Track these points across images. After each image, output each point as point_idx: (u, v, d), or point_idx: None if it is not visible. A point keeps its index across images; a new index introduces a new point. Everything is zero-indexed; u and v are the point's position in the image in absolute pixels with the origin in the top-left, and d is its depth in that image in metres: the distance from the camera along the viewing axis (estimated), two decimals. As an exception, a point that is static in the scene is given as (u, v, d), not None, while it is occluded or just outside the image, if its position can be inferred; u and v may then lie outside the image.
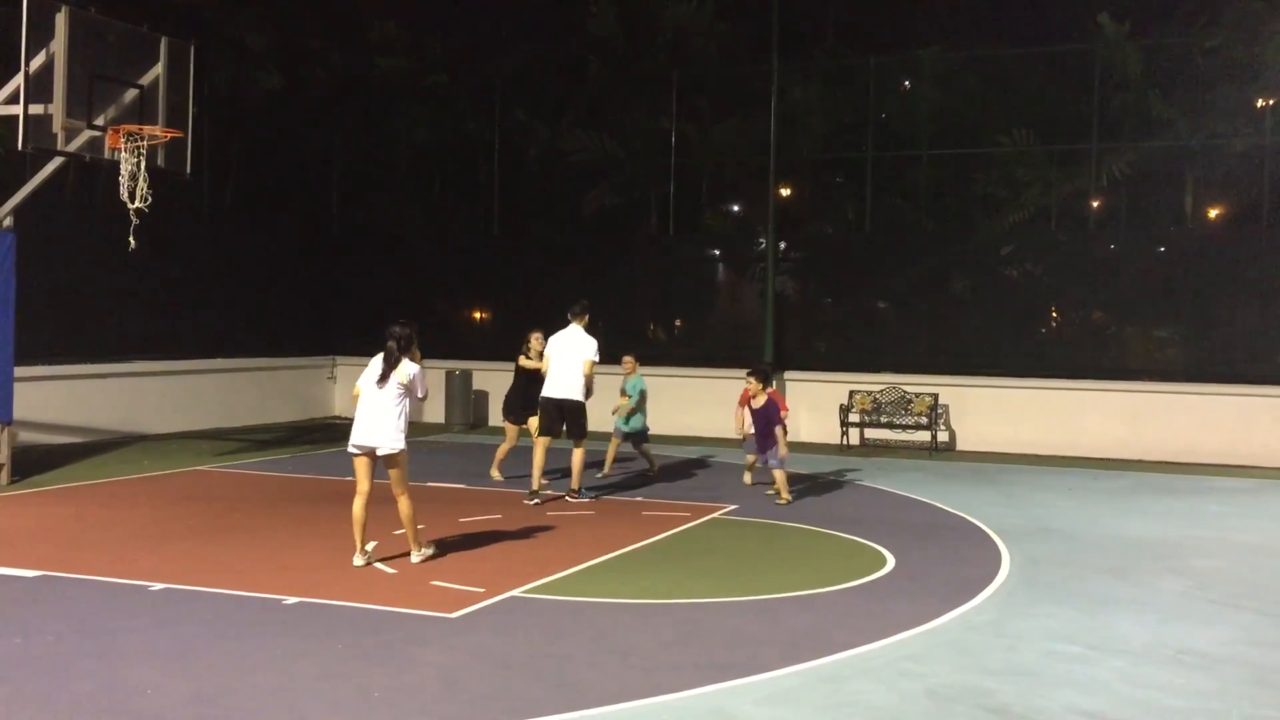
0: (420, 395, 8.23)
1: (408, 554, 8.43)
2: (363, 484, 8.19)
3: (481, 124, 20.47)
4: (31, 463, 12.65)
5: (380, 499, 8.46)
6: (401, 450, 8.12)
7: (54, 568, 7.93)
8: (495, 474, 12.62)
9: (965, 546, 9.61)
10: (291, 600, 7.22)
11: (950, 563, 8.92)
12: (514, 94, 20.47)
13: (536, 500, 11.04)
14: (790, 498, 11.47)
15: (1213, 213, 18.75)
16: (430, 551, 8.47)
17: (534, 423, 11.75)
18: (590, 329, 11.67)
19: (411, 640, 6.46)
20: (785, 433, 11.52)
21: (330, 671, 5.89)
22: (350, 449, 8.20)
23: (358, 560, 8.15)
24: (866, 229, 18.68)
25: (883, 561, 8.86)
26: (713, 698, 5.66)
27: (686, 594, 7.74)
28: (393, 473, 8.17)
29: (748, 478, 12.60)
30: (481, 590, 7.55)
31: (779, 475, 11.48)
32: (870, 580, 8.26)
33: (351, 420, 8.35)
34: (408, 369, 8.10)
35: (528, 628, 6.81)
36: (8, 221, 11.69)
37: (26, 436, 13.61)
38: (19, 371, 12.00)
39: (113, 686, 5.58)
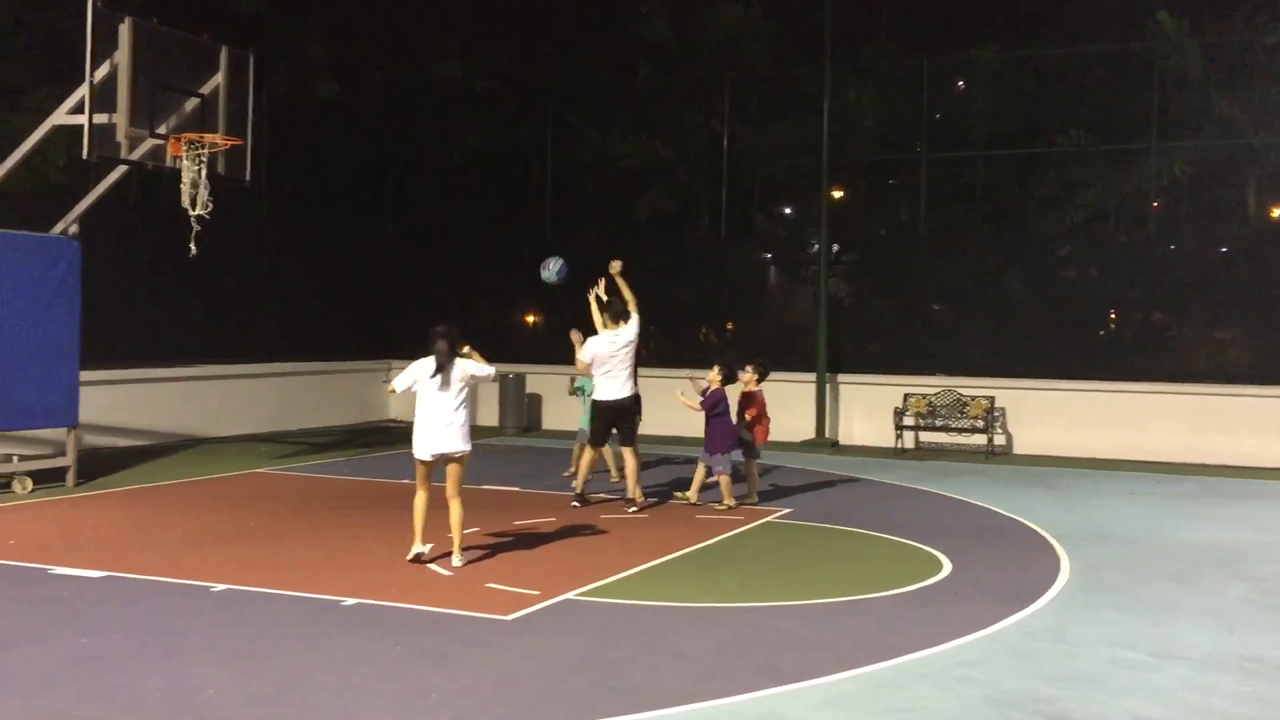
0: (486, 374, 8.42)
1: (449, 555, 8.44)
2: (423, 486, 8.34)
3: (534, 129, 20.57)
4: (97, 465, 12.91)
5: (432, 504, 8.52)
6: (468, 452, 8.28)
7: (119, 568, 8.09)
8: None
9: (1023, 551, 9.50)
10: (350, 601, 7.31)
11: (1008, 567, 8.82)
12: (566, 99, 20.56)
13: (579, 505, 11.05)
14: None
15: (1276, 211, 18.37)
16: (465, 560, 8.45)
17: None
18: (642, 333, 11.72)
19: (468, 642, 6.51)
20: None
21: (388, 672, 5.95)
22: (421, 456, 8.25)
23: (421, 549, 8.30)
24: (920, 230, 18.53)
25: (939, 566, 8.78)
26: (767, 702, 5.64)
27: (741, 598, 7.73)
28: (455, 473, 8.26)
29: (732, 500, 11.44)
30: (536, 593, 7.58)
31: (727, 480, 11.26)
32: (926, 585, 8.19)
33: (403, 423, 8.47)
34: (464, 366, 8.24)
35: (582, 630, 6.83)
36: (73, 229, 11.94)
37: (92, 440, 13.90)
38: (84, 376, 12.24)
39: (176, 686, 5.68)
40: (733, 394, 11.64)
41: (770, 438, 17.19)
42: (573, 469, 12.29)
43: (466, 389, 8.26)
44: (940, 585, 8.20)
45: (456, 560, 8.30)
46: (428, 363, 8.21)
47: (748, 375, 11.70)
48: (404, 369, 8.48)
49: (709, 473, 11.35)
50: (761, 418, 11.76)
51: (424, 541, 8.37)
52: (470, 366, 8.32)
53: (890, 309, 18.77)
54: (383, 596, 7.44)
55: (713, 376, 11.43)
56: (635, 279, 20.27)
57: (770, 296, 20.63)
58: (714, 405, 11.33)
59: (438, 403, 8.17)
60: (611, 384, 11.01)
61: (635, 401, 11.17)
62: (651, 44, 20.41)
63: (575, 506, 11.01)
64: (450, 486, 8.28)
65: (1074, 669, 6.29)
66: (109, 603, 7.23)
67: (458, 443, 8.21)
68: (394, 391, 8.46)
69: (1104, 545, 9.80)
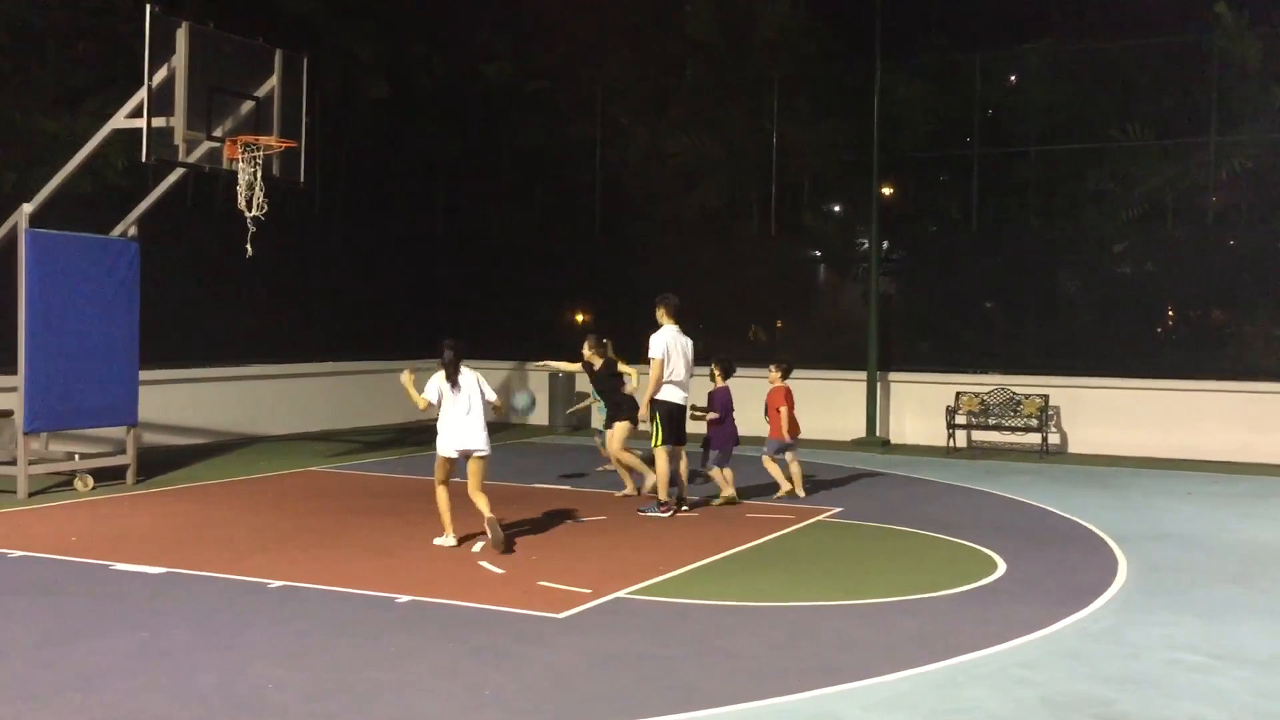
0: (490, 398, 9.02)
1: (510, 555, 8.50)
2: (444, 481, 8.98)
3: (583, 128, 20.63)
4: (155, 463, 13.13)
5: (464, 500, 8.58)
6: (489, 453, 8.96)
7: (178, 565, 8.22)
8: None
9: (1079, 551, 9.38)
10: (404, 599, 7.37)
11: (1064, 568, 8.71)
12: (614, 98, 20.59)
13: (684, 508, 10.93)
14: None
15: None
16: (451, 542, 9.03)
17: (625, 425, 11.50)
18: (691, 331, 11.66)
19: (520, 639, 6.54)
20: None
21: (442, 669, 5.99)
22: (450, 453, 8.84)
23: (450, 541, 8.93)
24: (973, 227, 18.35)
25: (993, 566, 8.70)
26: (822, 702, 5.62)
27: (793, 597, 7.70)
28: (480, 470, 8.88)
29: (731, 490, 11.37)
30: (588, 591, 7.60)
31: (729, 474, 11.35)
32: (980, 585, 8.11)
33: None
34: (473, 376, 8.96)
35: (634, 629, 6.84)
36: (132, 231, 12.14)
37: (150, 438, 14.14)
38: (143, 375, 12.44)
39: (235, 680, 5.76)
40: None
41: (821, 436, 17.36)
42: (631, 489, 11.55)
43: (480, 395, 8.94)
44: (995, 585, 8.12)
45: (488, 513, 8.83)
46: (441, 376, 8.94)
47: (772, 374, 11.96)
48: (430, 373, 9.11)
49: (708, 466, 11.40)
50: (776, 412, 11.84)
51: (452, 530, 9.01)
52: (480, 381, 9.03)
53: (942, 306, 18.61)
54: (436, 594, 7.50)
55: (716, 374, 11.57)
56: (684, 277, 20.26)
57: (820, 294, 20.53)
58: (723, 405, 11.39)
59: (460, 406, 8.86)
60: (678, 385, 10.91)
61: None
62: (698, 42, 20.38)
63: (685, 511, 10.89)
64: (473, 481, 8.85)
65: (1132, 671, 6.20)
66: (169, 598, 7.35)
67: (483, 441, 8.87)
68: (426, 405, 8.97)
69: (1162, 546, 9.66)
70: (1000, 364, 17.23)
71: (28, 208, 11.14)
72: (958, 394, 16.76)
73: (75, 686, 5.63)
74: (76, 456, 12.08)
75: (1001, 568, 8.65)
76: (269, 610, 7.07)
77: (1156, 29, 17.94)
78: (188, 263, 15.67)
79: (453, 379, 8.89)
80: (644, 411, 10.98)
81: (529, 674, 5.94)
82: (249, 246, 10.80)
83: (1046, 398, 16.31)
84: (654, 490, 10.92)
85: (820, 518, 10.72)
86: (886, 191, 19.01)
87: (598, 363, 12.06)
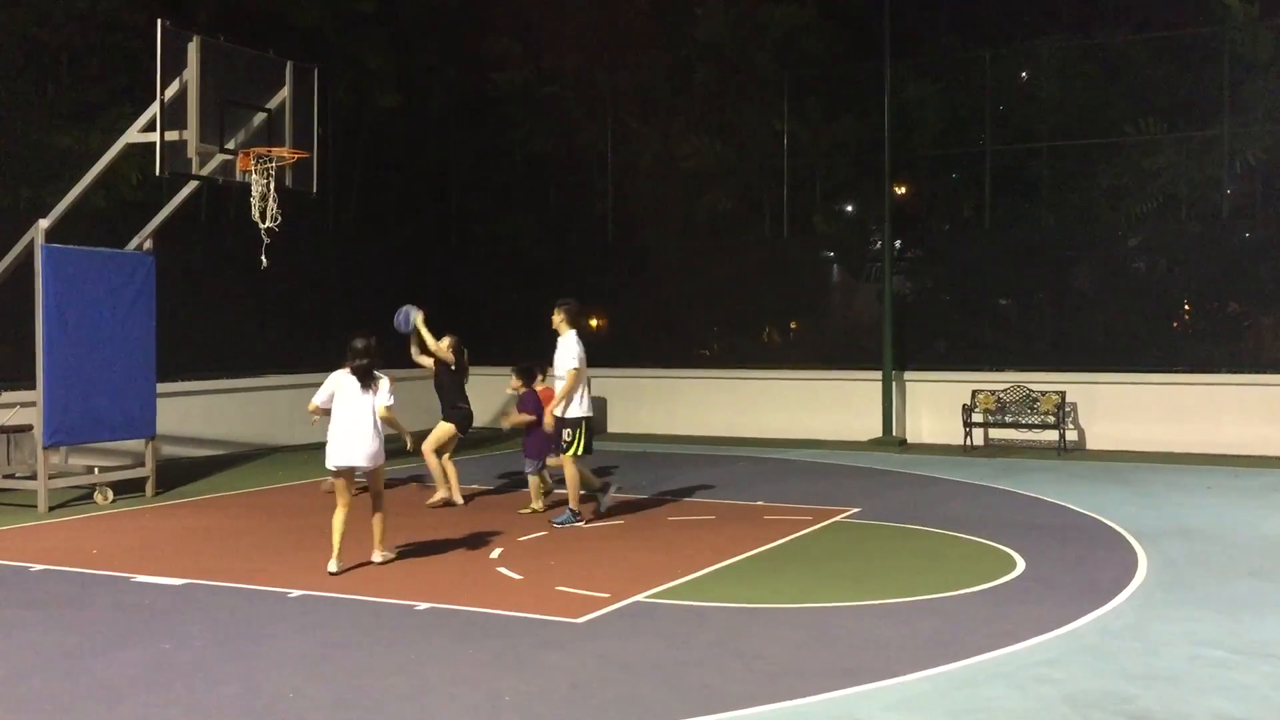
0: (389, 402, 8.28)
1: (530, 561, 8.50)
2: (344, 497, 8.34)
3: (594, 133, 20.66)
4: (174, 475, 13.19)
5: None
6: (383, 464, 8.42)
7: (198, 576, 8.26)
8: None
9: (1099, 548, 9.34)
10: (423, 606, 7.39)
11: (1084, 565, 8.67)
12: (625, 102, 20.62)
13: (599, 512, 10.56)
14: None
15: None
16: (393, 555, 8.71)
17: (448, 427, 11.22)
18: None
19: (539, 645, 6.55)
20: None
21: (462, 676, 6.01)
22: (331, 467, 8.26)
23: (333, 567, 8.23)
24: (986, 225, 18.31)
25: (1012, 564, 8.67)
26: (842, 703, 5.61)
27: (812, 598, 7.69)
28: (375, 480, 8.42)
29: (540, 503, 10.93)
30: (606, 596, 7.61)
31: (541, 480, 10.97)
32: (1000, 583, 8.08)
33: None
34: (386, 384, 8.30)
35: (653, 633, 6.84)
36: (147, 244, 12.21)
37: (169, 450, 14.20)
38: (160, 388, 12.51)
39: (256, 690, 5.78)
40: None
41: (837, 436, 17.34)
42: (534, 505, 10.93)
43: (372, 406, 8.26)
44: (1015, 584, 8.09)
45: (379, 556, 8.57)
46: (343, 376, 8.30)
47: (515, 382, 11.25)
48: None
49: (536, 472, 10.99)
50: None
51: (340, 554, 8.33)
52: (389, 389, 8.33)
53: (956, 304, 18.58)
54: (455, 601, 7.51)
55: (515, 384, 11.16)
56: (698, 280, 20.30)
57: (834, 295, 20.51)
58: (535, 407, 10.84)
59: (354, 415, 8.23)
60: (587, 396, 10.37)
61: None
62: (708, 45, 20.40)
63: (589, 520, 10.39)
64: (376, 499, 8.50)
65: (1155, 667, 6.17)
66: (190, 609, 7.38)
67: (373, 455, 8.26)
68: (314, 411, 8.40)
69: (1183, 541, 9.60)
70: (1016, 361, 17.19)
71: (44, 223, 11.21)
72: (974, 392, 16.71)
73: (98, 698, 5.66)
74: (96, 470, 12.15)
75: (1021, 566, 8.62)
76: (289, 619, 7.10)
77: (1168, 23, 17.89)
78: (203, 275, 15.75)
79: (367, 388, 8.17)
80: (549, 420, 10.23)
81: (548, 679, 5.95)
82: (263, 258, 10.83)
83: (1063, 394, 16.25)
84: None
85: (838, 518, 10.70)
86: (899, 191, 18.98)
87: (451, 361, 11.46)
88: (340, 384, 8.28)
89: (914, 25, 19.46)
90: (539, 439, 10.81)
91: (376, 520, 8.50)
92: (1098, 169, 18.22)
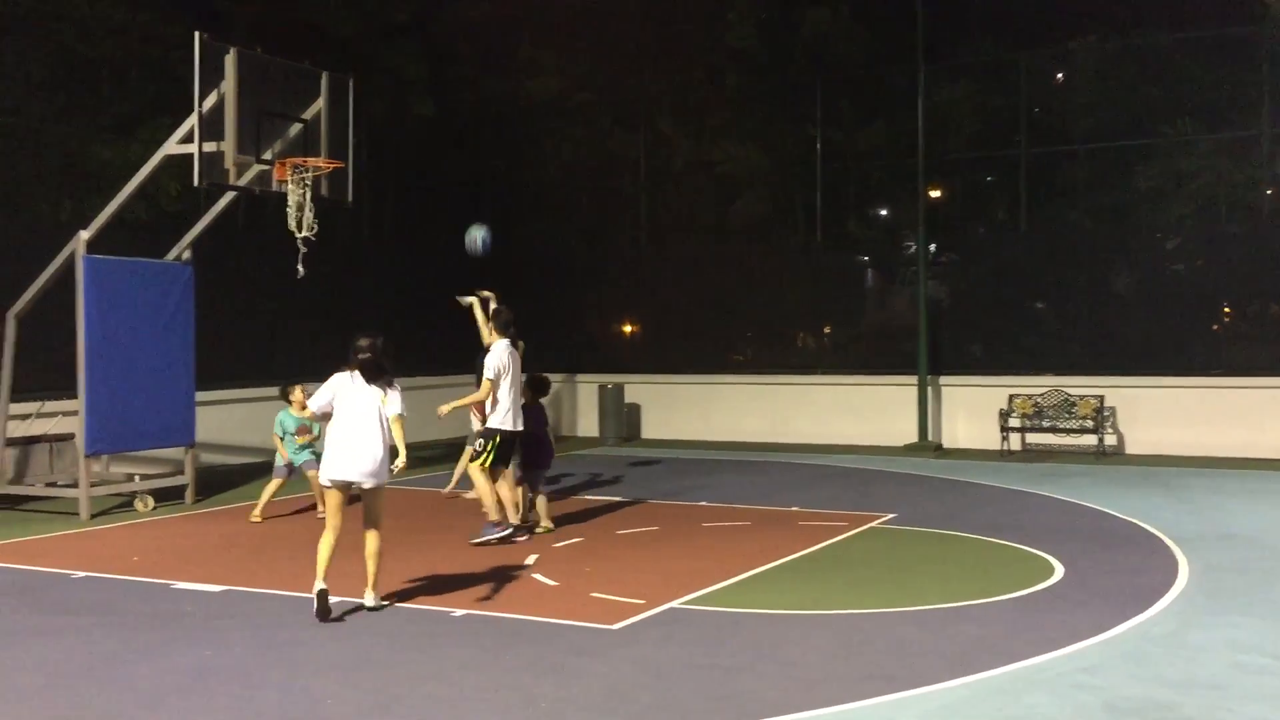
0: (401, 410, 7.31)
1: (564, 567, 8.50)
2: (335, 518, 7.27)
3: (627, 140, 20.70)
4: (213, 483, 13.32)
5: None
6: (385, 484, 7.37)
7: (237, 583, 8.33)
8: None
9: (1139, 554, 9.24)
10: (459, 613, 7.42)
11: (1123, 571, 8.58)
12: (658, 108, 20.65)
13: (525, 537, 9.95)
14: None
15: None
16: (385, 603, 7.56)
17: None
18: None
19: (575, 651, 6.56)
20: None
21: (498, 682, 6.03)
22: (325, 481, 7.26)
23: (319, 585, 7.23)
24: (1021, 228, 18.18)
25: (1051, 570, 8.59)
26: (878, 710, 5.58)
27: (848, 604, 7.65)
28: (374, 504, 7.37)
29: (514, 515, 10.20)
30: (641, 602, 7.61)
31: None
32: (1038, 590, 8.01)
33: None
34: (398, 391, 7.32)
35: (689, 639, 6.83)
36: (186, 255, 12.36)
37: (207, 458, 14.35)
38: (199, 396, 12.64)
39: (295, 696, 5.83)
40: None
41: (872, 441, 17.27)
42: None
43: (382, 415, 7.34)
44: (1053, 590, 8.02)
45: (370, 599, 7.47)
46: (348, 378, 7.38)
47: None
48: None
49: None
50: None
51: (324, 576, 7.30)
52: (399, 395, 7.41)
53: (992, 308, 18.44)
54: (490, 607, 7.54)
55: (524, 395, 10.27)
56: (732, 286, 20.31)
57: (868, 299, 20.44)
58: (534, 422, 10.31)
59: (360, 424, 7.27)
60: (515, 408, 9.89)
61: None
62: (739, 50, 20.40)
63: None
64: (374, 520, 7.46)
65: (1196, 675, 6.10)
66: (229, 616, 7.45)
67: (379, 472, 7.30)
68: (311, 417, 7.61)
69: (1224, 547, 9.48)
70: (1053, 365, 17.04)
71: (85, 235, 11.37)
72: (1011, 396, 16.58)
73: (140, 704, 5.72)
74: (136, 478, 12.30)
75: (1059, 572, 8.54)
76: (327, 626, 7.14)
77: (1205, 22, 17.70)
78: (241, 284, 15.90)
79: (372, 379, 7.22)
80: (445, 409, 9.70)
81: (584, 686, 5.96)
82: (300, 266, 10.92)
83: (1102, 398, 16.09)
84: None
85: (873, 524, 10.65)
86: (934, 194, 18.89)
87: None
88: (342, 386, 7.26)
89: (947, 28, 19.35)
90: (534, 453, 10.31)
91: (370, 555, 7.36)
92: (1135, 171, 18.06)
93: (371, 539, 7.39)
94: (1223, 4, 17.61)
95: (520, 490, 10.38)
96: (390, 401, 7.26)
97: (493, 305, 10.79)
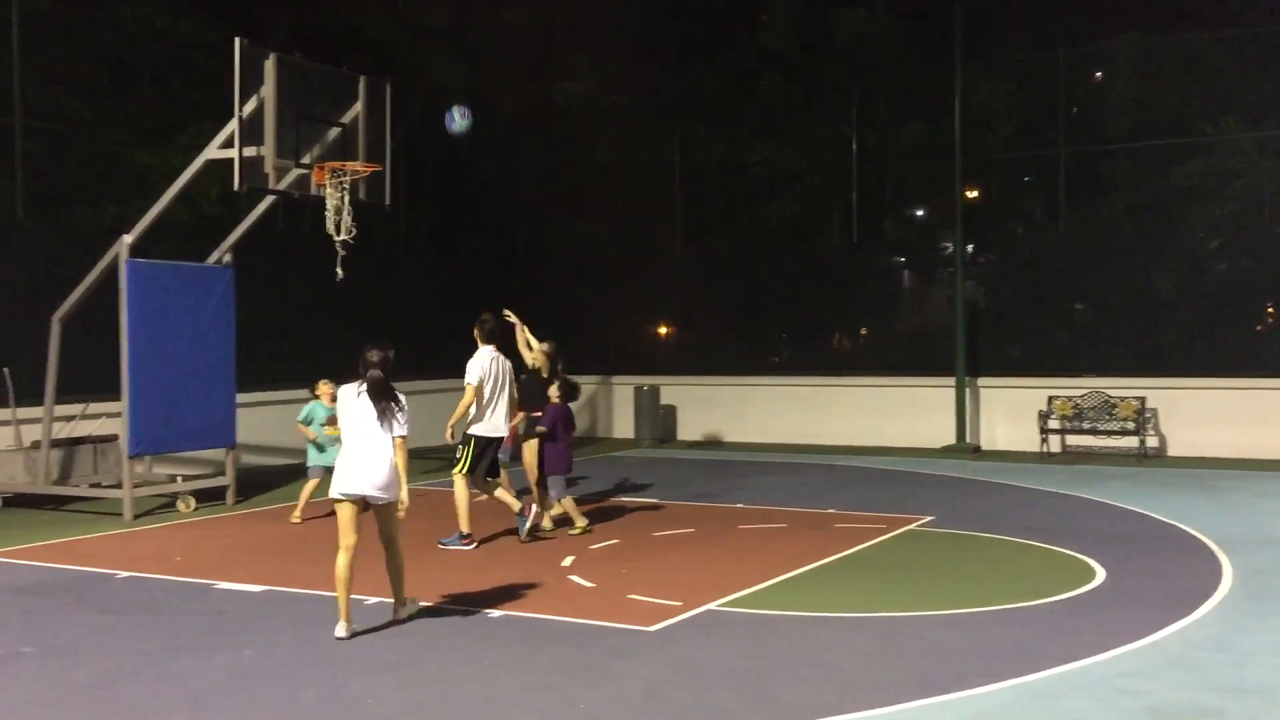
0: (403, 432, 6.95)
1: (601, 569, 8.51)
2: (349, 536, 6.91)
3: (661, 142, 20.72)
4: (253, 484, 13.45)
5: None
6: (396, 500, 7.01)
7: (278, 583, 8.41)
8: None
9: (1182, 557, 9.13)
10: (496, 614, 7.45)
11: (1166, 575, 8.49)
12: (692, 110, 20.65)
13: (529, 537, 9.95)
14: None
15: None
16: (416, 608, 7.35)
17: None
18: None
19: (612, 653, 6.57)
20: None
21: (535, 683, 6.04)
22: (337, 495, 6.92)
23: (341, 631, 6.84)
24: (1061, 228, 18.03)
25: (1092, 574, 8.51)
26: (917, 714, 5.55)
27: (886, 607, 7.62)
28: (388, 520, 7.06)
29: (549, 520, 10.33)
30: (679, 604, 7.61)
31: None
32: (1079, 593, 7.94)
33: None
34: (404, 414, 6.97)
35: (726, 641, 6.83)
36: (226, 258, 12.49)
37: (248, 459, 14.49)
38: (239, 398, 12.77)
39: (335, 696, 5.87)
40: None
41: (909, 443, 17.18)
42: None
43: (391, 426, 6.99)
44: (1095, 593, 7.94)
45: (403, 611, 7.26)
46: (354, 390, 7.06)
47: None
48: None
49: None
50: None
51: (349, 616, 6.94)
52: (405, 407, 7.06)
53: (1030, 309, 18.29)
54: (528, 609, 7.56)
55: (552, 392, 10.41)
56: (767, 287, 20.22)
57: (904, 300, 20.33)
58: (552, 420, 10.30)
59: (366, 437, 6.96)
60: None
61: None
62: (774, 52, 20.36)
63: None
64: (390, 535, 7.17)
65: (1241, 679, 6.02)
66: (270, 616, 7.52)
67: (390, 486, 6.96)
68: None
69: (1269, 550, 9.35)
70: (1093, 366, 16.88)
71: (128, 238, 11.52)
72: (1050, 398, 16.43)
73: (182, 703, 5.79)
74: (179, 479, 12.45)
75: (1101, 575, 8.46)
76: (366, 626, 7.18)
77: (1247, 19, 17.47)
78: (280, 287, 16.04)
79: (385, 406, 6.89)
80: (450, 435, 9.92)
81: (622, 687, 5.97)
82: (338, 269, 11.00)
83: (1143, 400, 15.92)
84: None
85: (911, 526, 10.59)
86: (970, 194, 18.77)
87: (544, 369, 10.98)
88: (349, 400, 6.99)
89: (984, 27, 19.22)
90: (556, 455, 10.28)
91: (393, 572, 7.15)
92: (1175, 170, 17.85)
93: (392, 555, 7.13)
94: (1264, 1, 17.38)
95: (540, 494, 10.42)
96: (394, 424, 6.90)
97: (525, 332, 11.24)
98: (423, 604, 7.54)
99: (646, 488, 13.36)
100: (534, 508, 9.99)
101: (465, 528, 9.82)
